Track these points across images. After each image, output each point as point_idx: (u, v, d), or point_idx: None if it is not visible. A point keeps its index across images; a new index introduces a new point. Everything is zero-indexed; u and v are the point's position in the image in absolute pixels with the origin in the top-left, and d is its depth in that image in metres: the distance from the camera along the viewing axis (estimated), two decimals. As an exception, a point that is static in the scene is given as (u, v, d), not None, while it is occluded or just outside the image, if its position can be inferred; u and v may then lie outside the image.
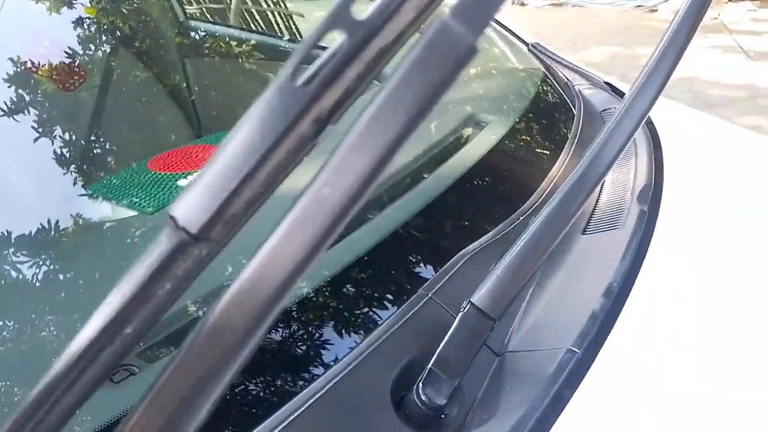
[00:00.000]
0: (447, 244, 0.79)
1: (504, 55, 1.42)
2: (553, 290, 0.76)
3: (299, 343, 0.69)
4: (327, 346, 0.67)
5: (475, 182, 0.88)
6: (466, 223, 0.85)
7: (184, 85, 2.08)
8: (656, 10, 7.39)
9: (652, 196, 0.93)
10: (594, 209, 0.96)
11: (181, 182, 0.90)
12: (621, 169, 1.06)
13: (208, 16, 2.27)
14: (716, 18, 6.45)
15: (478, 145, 0.99)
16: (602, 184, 1.02)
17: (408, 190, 0.86)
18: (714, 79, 5.12)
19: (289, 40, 2.12)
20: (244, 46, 2.09)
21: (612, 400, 0.62)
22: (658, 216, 0.87)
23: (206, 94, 2.14)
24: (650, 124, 1.19)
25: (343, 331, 0.68)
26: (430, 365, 0.62)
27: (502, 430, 0.59)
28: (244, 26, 2.33)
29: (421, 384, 0.61)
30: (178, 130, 2.03)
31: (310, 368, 0.66)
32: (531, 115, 1.18)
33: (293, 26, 2.25)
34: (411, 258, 0.77)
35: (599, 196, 0.99)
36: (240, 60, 2.13)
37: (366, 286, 0.74)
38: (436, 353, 0.62)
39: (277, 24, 2.33)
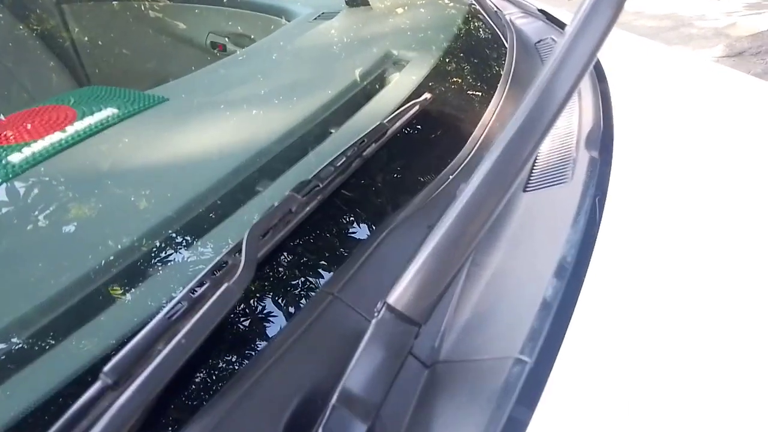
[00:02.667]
0: (355, 225, 0.62)
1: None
2: (491, 274, 0.60)
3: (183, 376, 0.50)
4: (196, 382, 0.49)
5: (391, 139, 0.70)
6: (378, 193, 0.66)
7: (63, 33, 1.79)
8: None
9: (601, 140, 0.78)
10: (535, 159, 0.81)
11: (12, 158, 0.68)
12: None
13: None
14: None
15: (393, 92, 0.80)
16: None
17: (306, 152, 0.68)
18: (638, 9, 5.08)
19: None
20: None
21: (581, 419, 0.47)
22: (612, 164, 0.72)
23: (91, 42, 1.85)
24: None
25: (216, 366, 0.49)
26: (333, 401, 0.45)
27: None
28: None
29: (321, 430, 0.43)
30: (59, 84, 1.75)
31: (181, 409, 0.47)
32: (456, 52, 1.00)
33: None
34: (309, 245, 0.59)
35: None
36: (131, 3, 1.85)
37: (253, 285, 0.55)
38: (342, 382, 0.45)
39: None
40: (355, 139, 0.64)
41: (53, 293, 0.50)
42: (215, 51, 1.60)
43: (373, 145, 0.66)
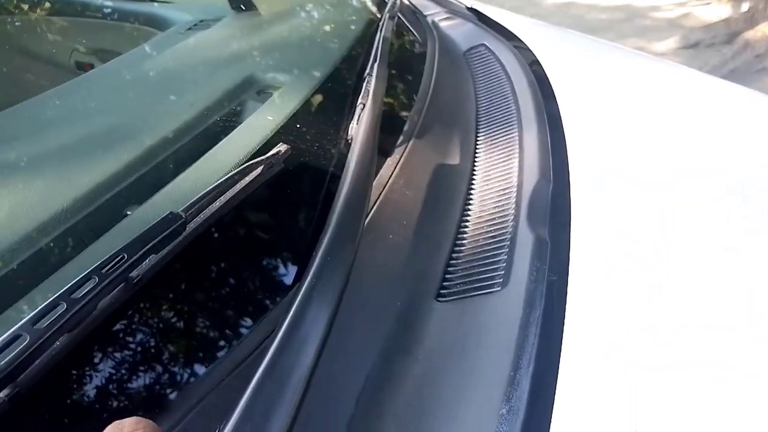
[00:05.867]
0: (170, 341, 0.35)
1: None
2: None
3: None
4: None
5: (239, 206, 0.42)
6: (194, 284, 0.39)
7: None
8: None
9: (552, 204, 0.52)
10: (456, 243, 0.53)
11: None
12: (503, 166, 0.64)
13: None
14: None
15: (246, 135, 0.53)
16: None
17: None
18: (591, 2, 4.94)
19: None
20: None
21: None
22: (571, 248, 0.46)
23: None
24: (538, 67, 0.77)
25: None
26: None
27: None
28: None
29: None
30: None
31: None
32: (349, 70, 0.73)
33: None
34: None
35: (465, 212, 0.57)
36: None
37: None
38: None
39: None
40: (189, 202, 0.38)
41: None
42: (81, 72, 1.30)
43: (208, 212, 0.39)
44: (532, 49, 0.81)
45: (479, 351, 0.40)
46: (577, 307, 0.41)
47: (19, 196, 0.48)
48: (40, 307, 0.33)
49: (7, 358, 0.31)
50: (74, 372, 0.36)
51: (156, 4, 1.38)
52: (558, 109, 0.66)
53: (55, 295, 0.33)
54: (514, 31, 0.87)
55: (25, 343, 0.32)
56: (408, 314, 0.45)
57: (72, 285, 0.34)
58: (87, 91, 0.83)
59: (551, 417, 0.34)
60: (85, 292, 0.34)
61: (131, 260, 0.36)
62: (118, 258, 0.36)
